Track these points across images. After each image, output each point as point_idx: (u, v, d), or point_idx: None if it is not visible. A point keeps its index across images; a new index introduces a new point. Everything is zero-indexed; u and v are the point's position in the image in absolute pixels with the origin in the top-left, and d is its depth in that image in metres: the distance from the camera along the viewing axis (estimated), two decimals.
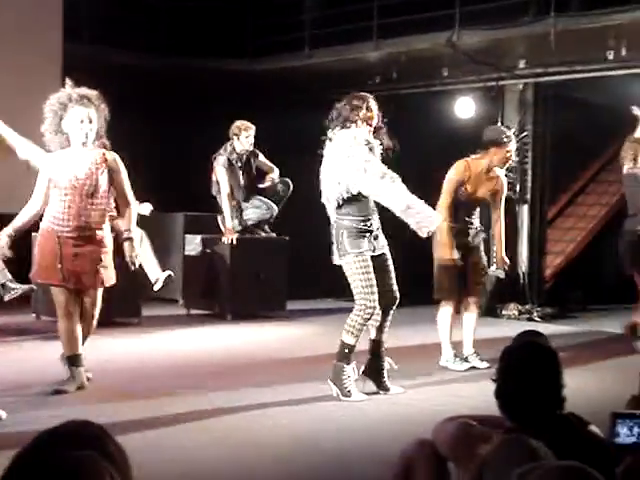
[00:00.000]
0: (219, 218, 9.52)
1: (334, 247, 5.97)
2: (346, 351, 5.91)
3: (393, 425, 5.26)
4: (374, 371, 6.05)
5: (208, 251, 9.78)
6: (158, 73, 11.57)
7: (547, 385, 2.74)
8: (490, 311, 10.38)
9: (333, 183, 5.88)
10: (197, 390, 5.98)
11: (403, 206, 5.68)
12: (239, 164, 9.49)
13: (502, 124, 11.50)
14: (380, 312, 5.88)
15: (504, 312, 10.40)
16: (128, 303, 8.52)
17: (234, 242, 9.37)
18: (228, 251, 9.48)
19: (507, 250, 7.68)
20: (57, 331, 5.92)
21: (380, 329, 6.03)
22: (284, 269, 9.87)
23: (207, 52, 11.69)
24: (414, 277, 8.32)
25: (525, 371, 2.75)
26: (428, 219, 5.74)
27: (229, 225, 9.34)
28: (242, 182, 9.50)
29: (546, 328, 7.84)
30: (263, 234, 9.77)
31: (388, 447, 4.24)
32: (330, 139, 5.94)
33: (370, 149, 5.82)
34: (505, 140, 7.06)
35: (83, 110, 5.77)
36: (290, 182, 9.70)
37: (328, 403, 5.76)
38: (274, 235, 9.84)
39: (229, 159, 9.39)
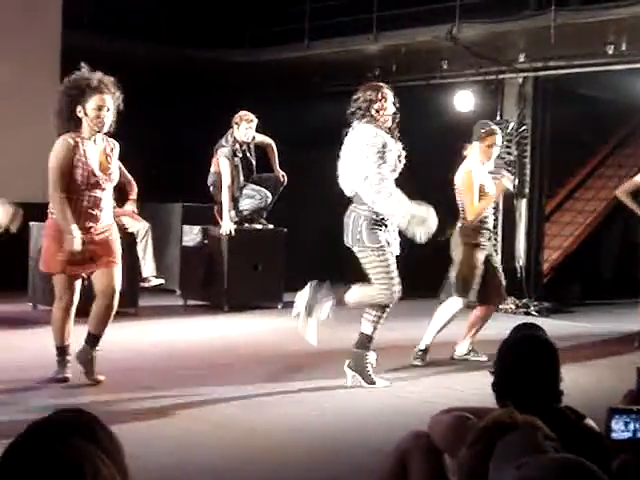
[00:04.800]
0: (215, 209, 9.53)
1: (349, 232, 5.95)
2: (365, 340, 5.94)
3: (387, 417, 5.26)
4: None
5: (206, 242, 9.78)
6: (156, 62, 11.55)
7: (545, 378, 2.74)
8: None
9: (349, 174, 5.92)
10: (193, 380, 5.98)
11: (397, 219, 5.79)
12: (240, 155, 9.49)
13: (501, 118, 11.52)
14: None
15: (501, 306, 10.40)
16: (125, 293, 8.48)
17: (232, 233, 9.37)
18: (226, 242, 9.48)
19: (504, 244, 7.68)
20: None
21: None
22: (281, 261, 9.87)
23: (206, 42, 11.66)
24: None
25: (523, 364, 2.75)
26: (424, 224, 5.75)
27: (227, 216, 9.33)
28: (242, 174, 9.50)
29: (543, 322, 7.81)
30: (260, 226, 9.76)
31: (382, 438, 4.26)
32: (352, 130, 5.98)
33: (383, 152, 5.81)
34: (483, 134, 7.01)
35: (102, 97, 5.57)
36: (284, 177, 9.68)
37: (324, 394, 5.77)
38: (271, 226, 9.84)
39: (233, 150, 9.40)
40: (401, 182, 5.98)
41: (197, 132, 10.80)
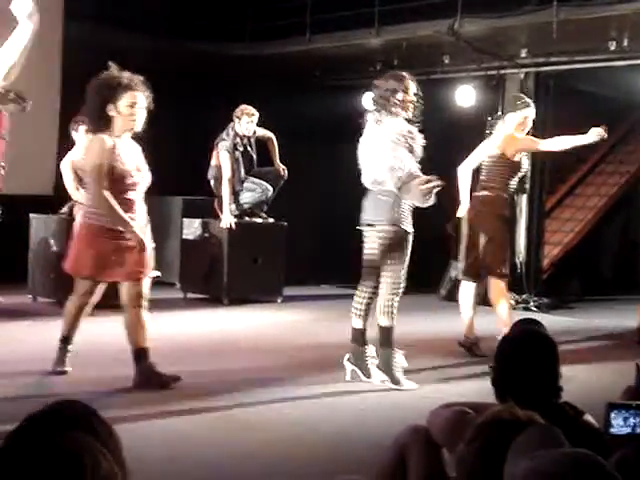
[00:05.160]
0: (216, 202, 9.53)
1: (368, 215, 5.92)
2: (387, 334, 5.90)
3: (387, 411, 5.27)
4: (359, 358, 6.02)
5: (206, 235, 9.78)
6: (156, 55, 11.53)
7: (544, 373, 2.74)
8: (487, 300, 10.38)
9: (374, 166, 5.87)
10: (192, 374, 5.97)
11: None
12: (241, 149, 9.49)
13: (502, 113, 11.49)
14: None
15: None
16: None
17: (232, 226, 9.37)
18: (226, 235, 9.48)
19: None
20: (53, 312, 5.91)
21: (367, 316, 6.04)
22: (281, 254, 9.87)
23: (207, 35, 11.63)
24: None
25: (523, 359, 2.75)
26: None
27: (227, 209, 9.33)
28: (242, 167, 9.50)
29: (543, 318, 7.81)
30: (260, 219, 9.77)
31: (381, 432, 4.25)
32: (378, 121, 5.92)
33: (411, 146, 5.82)
34: (520, 105, 7.14)
35: (134, 94, 5.48)
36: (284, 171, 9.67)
37: (323, 388, 5.77)
38: (272, 220, 9.84)
39: (234, 144, 9.40)
40: None
41: (197, 125, 10.79)
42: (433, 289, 10.77)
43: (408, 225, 5.87)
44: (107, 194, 5.38)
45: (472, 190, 7.22)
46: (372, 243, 5.91)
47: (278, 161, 9.68)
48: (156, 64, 11.64)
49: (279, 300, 9.84)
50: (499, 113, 11.54)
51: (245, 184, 9.53)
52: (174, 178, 10.66)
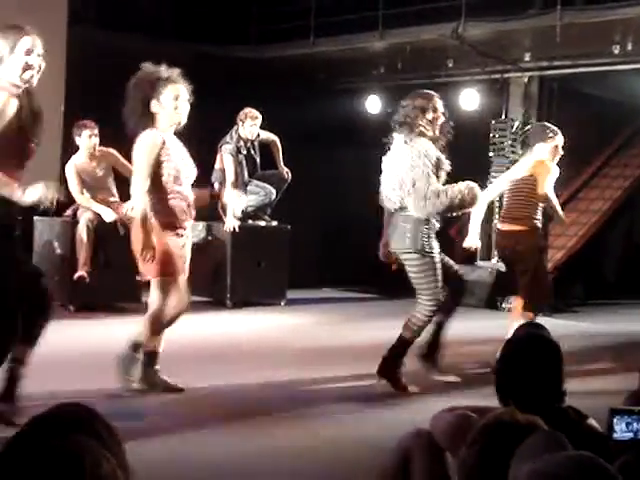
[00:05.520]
0: (219, 205, 9.53)
1: (393, 243, 5.90)
2: (403, 347, 5.87)
3: (390, 414, 5.27)
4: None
5: (210, 238, 9.78)
6: (161, 58, 11.53)
7: (548, 377, 2.74)
8: (491, 304, 10.40)
9: (397, 187, 5.82)
10: (195, 376, 5.97)
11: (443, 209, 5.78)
12: (245, 152, 9.50)
13: (506, 117, 11.53)
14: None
15: (504, 305, 10.41)
16: (129, 288, 8.51)
17: (236, 229, 9.38)
18: (229, 238, 9.48)
19: None
20: (58, 315, 5.87)
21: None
22: (285, 257, 9.87)
23: (212, 38, 11.66)
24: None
25: (527, 363, 2.75)
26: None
27: (231, 213, 9.33)
28: (246, 171, 9.51)
29: (546, 322, 7.81)
30: (263, 222, 9.77)
31: (383, 435, 4.24)
32: (406, 142, 5.79)
33: (437, 168, 5.76)
34: (551, 134, 6.93)
35: (176, 86, 5.35)
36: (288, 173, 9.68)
37: (326, 390, 5.77)
38: (275, 223, 9.84)
39: (237, 147, 9.40)
40: None
41: (200, 128, 10.78)
42: None
43: (431, 247, 5.81)
44: (147, 189, 5.27)
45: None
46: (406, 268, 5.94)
47: (282, 164, 9.68)
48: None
49: (282, 303, 9.83)
50: (503, 117, 11.59)
51: (249, 187, 9.53)
52: None
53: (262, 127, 9.54)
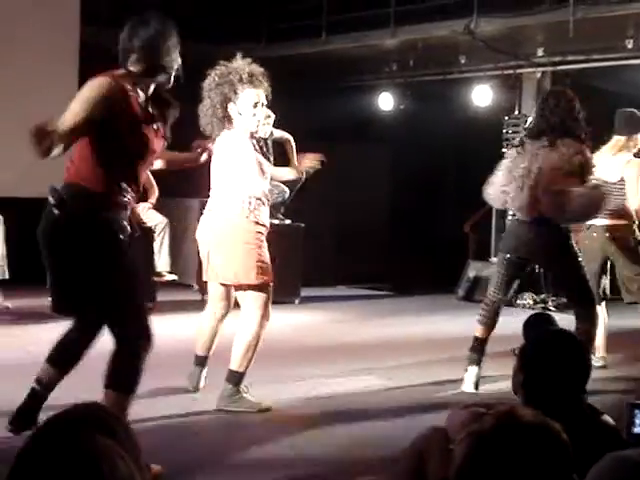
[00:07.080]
0: None
1: (540, 250, 5.89)
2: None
3: (405, 412, 5.26)
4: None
5: None
6: None
7: (577, 377, 2.70)
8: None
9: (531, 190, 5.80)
10: (209, 374, 5.99)
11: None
12: (258, 151, 9.48)
13: (519, 112, 11.49)
14: None
15: (519, 301, 10.39)
16: (143, 287, 8.52)
17: None
18: None
19: None
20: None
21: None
22: (299, 256, 9.87)
23: (222, 37, 11.66)
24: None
25: (557, 363, 2.69)
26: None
27: None
28: None
29: (561, 318, 7.79)
30: (277, 221, 9.77)
31: (399, 433, 4.25)
32: (553, 144, 5.71)
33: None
34: None
35: (255, 91, 5.10)
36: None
37: (339, 389, 5.77)
38: (289, 222, 9.84)
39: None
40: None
41: None
42: (450, 289, 10.74)
43: (510, 251, 5.89)
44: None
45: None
46: None
47: (296, 163, 9.67)
48: None
49: (296, 301, 9.84)
50: (516, 113, 11.54)
51: None
52: (190, 180, 10.67)
53: (275, 125, 9.53)
